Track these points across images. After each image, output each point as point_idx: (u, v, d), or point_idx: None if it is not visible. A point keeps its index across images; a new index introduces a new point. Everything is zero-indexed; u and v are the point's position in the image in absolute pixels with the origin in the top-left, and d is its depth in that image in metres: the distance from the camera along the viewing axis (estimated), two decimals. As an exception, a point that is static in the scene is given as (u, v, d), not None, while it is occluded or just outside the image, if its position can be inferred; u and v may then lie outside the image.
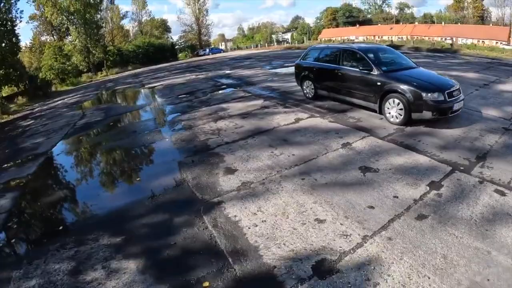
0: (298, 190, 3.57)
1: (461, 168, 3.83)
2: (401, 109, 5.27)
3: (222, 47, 53.27)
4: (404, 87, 5.17)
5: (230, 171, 4.19)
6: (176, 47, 48.06)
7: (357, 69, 5.88)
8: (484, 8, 49.70)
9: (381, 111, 5.65)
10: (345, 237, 2.73)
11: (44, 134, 8.07)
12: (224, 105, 7.96)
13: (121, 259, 2.76)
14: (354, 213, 3.06)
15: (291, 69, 13.10)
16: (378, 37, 49.81)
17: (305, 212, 3.16)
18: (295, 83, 9.67)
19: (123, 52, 36.30)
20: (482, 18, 49.28)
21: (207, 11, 51.29)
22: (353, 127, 5.46)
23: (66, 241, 3.11)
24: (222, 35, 64.12)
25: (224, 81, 12.50)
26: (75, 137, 7.35)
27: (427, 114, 5.04)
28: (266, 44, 53.45)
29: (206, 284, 2.39)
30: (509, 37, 37.99)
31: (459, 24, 46.83)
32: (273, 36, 67.38)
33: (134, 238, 3.03)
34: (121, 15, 43.90)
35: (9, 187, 4.84)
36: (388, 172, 3.86)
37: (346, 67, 6.19)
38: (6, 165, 5.95)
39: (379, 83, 5.51)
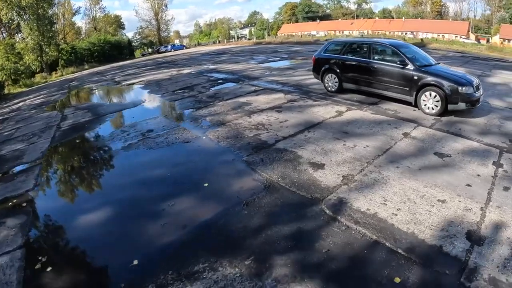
0: (402, 178, 3.56)
1: (505, 149, 4.28)
2: (437, 101, 5.56)
3: (177, 43, 51.02)
4: (442, 81, 5.47)
5: (318, 166, 3.85)
6: (133, 44, 45.36)
7: (393, 64, 6.02)
8: (442, 4, 55.39)
9: (416, 103, 5.87)
10: (469, 210, 2.94)
11: (22, 139, 6.51)
12: (243, 99, 7.43)
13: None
14: (461, 191, 3.26)
15: (283, 63, 13.93)
16: (339, 32, 52.00)
17: (425, 195, 3.21)
18: (300, 77, 9.68)
19: (78, 50, 33.75)
20: (440, 13, 55.14)
21: (166, 6, 49.17)
22: (397, 118, 5.56)
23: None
24: (177, 32, 60.86)
25: (217, 75, 11.79)
26: (68, 140, 6.04)
27: (462, 105, 5.42)
28: (225, 40, 52.35)
29: (397, 280, 2.20)
30: (468, 31, 43.69)
31: (419, 19, 51.58)
32: (231, 32, 66.46)
33: (271, 258, 2.42)
34: (73, 11, 40.51)
35: (6, 209, 3.64)
36: (458, 156, 4.09)
37: (379, 61, 6.28)
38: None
39: (415, 77, 5.72)
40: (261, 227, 2.78)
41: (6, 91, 19.14)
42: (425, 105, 5.76)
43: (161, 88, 10.28)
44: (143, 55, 39.96)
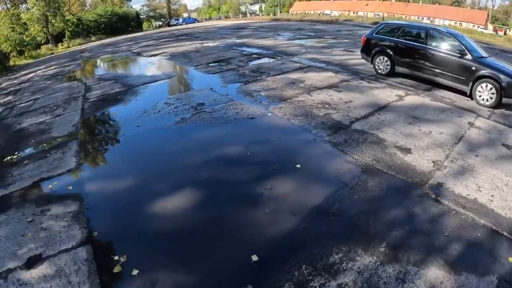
0: (484, 166, 3.69)
1: None
2: (493, 93, 5.59)
3: (188, 16, 49.82)
4: (500, 74, 5.47)
5: (405, 150, 3.95)
6: (141, 16, 43.52)
7: (451, 52, 5.97)
8: None
9: (470, 94, 5.93)
10: None
11: (44, 112, 6.33)
12: (292, 76, 7.31)
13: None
14: None
15: (314, 41, 13.46)
16: (354, 12, 50.42)
17: (509, 184, 3.36)
18: (341, 57, 9.51)
19: (84, 22, 32.59)
20: (458, 1, 53.09)
21: None
22: (456, 107, 5.61)
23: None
24: (185, 5, 57.97)
25: (249, 50, 11.43)
26: (103, 113, 5.88)
27: (514, 100, 5.49)
28: (235, 16, 50.59)
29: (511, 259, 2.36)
30: (487, 21, 42.57)
31: (437, 4, 49.92)
32: (241, 7, 64.53)
33: (402, 244, 2.46)
34: None
35: (47, 195, 3.23)
36: None
37: (437, 48, 6.19)
38: (12, 157, 4.21)
39: (473, 68, 5.71)
40: (377, 212, 2.82)
41: (11, 63, 18.43)
42: (480, 96, 5.80)
43: (191, 60, 9.97)
44: (160, 26, 40.09)
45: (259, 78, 7.22)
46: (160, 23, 44.95)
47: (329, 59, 9.29)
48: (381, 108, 5.32)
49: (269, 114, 5.00)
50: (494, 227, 2.74)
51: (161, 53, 12.26)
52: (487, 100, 5.69)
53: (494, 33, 37.90)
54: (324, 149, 3.94)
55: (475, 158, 3.88)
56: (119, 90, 7.08)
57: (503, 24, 44.67)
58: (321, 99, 5.69)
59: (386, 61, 7.17)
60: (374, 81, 6.94)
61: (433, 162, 3.71)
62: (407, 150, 3.94)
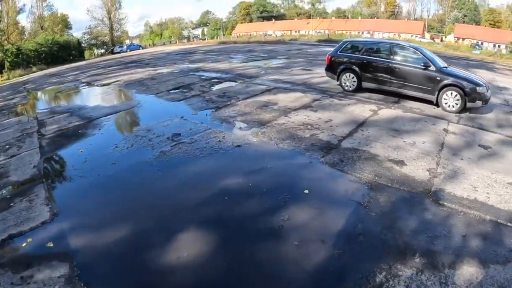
0: (472, 167, 4.40)
1: None
2: (457, 100, 6.76)
3: (134, 43, 53.43)
4: (463, 82, 6.68)
5: (399, 162, 4.42)
6: (83, 44, 46.47)
7: (416, 65, 7.08)
8: (395, 4, 63.37)
9: (437, 102, 7.06)
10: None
11: None
12: (262, 98, 7.73)
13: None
14: None
15: (270, 62, 14.74)
16: (295, 31, 56.57)
17: (497, 180, 4.08)
18: (302, 76, 10.53)
19: (24, 51, 33.38)
20: (394, 13, 62.94)
21: (120, 4, 50.78)
22: (427, 116, 6.58)
23: None
24: (126, 32, 59.67)
25: (208, 74, 11.90)
26: (67, 150, 5.46)
27: (478, 103, 6.73)
28: (177, 41, 53.99)
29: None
30: (424, 30, 50.44)
31: (375, 18, 58.23)
32: (184, 32, 70.85)
33: (432, 251, 2.82)
34: (18, 9, 39.52)
35: (19, 259, 2.79)
36: (496, 147, 5.21)
37: (402, 63, 7.30)
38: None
39: (438, 78, 6.86)
40: (397, 225, 3.10)
41: None
42: (446, 103, 6.92)
43: (149, 88, 9.96)
44: (102, 54, 43.07)
45: (228, 103, 7.48)
46: (103, 51, 48.24)
47: (292, 79, 10.09)
48: (361, 124, 5.95)
49: (254, 139, 5.18)
50: (498, 220, 3.25)
51: (114, 81, 12.08)
52: (453, 106, 6.79)
53: (431, 40, 45.82)
54: (324, 171, 4.21)
55: (461, 161, 4.57)
56: (78, 123, 6.78)
57: (438, 32, 54.37)
58: (301, 120, 6.13)
59: (353, 77, 8.12)
60: (344, 98, 7.75)
61: (427, 170, 4.26)
62: (401, 162, 4.47)
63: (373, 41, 8.63)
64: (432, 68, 6.93)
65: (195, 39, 59.53)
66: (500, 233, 3.08)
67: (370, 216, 3.25)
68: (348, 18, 61.64)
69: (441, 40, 48.15)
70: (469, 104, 6.73)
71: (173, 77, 11.82)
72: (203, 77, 11.39)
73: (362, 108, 6.92)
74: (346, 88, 8.33)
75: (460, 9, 55.32)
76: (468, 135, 5.67)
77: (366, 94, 8.08)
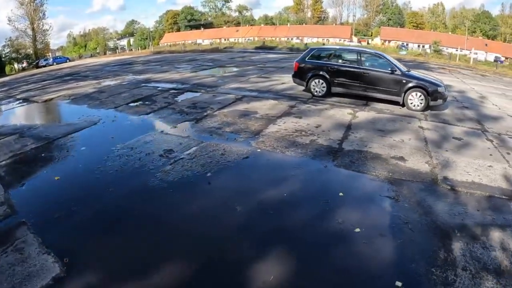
0: (457, 156, 5.54)
1: (483, 130, 7.24)
2: (421, 100, 8.24)
3: (60, 55, 53.36)
4: (426, 84, 8.21)
5: (401, 159, 5.18)
6: (3, 59, 46.51)
7: (383, 70, 8.41)
8: (322, 10, 70.09)
9: (403, 102, 8.45)
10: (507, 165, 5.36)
11: None
12: (239, 108, 8.04)
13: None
14: (493, 158, 5.58)
15: (221, 71, 15.09)
16: (225, 39, 59.19)
17: (480, 165, 5.25)
18: (264, 83, 11.41)
19: None
20: (321, 19, 69.46)
21: (44, 14, 50.23)
22: (398, 115, 7.84)
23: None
24: (47, 44, 56.97)
25: (162, 85, 11.99)
26: (40, 181, 4.79)
27: (440, 101, 8.33)
28: (101, 52, 53.51)
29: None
30: (351, 34, 56.39)
31: (304, 24, 63.65)
32: (109, 43, 72.52)
33: (475, 235, 3.47)
34: None
35: None
36: (466, 137, 6.61)
37: (370, 68, 8.55)
38: None
39: (404, 81, 8.27)
40: (432, 212, 3.78)
41: None
42: (411, 103, 8.33)
43: (103, 102, 9.40)
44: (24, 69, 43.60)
45: (205, 114, 7.61)
46: (24, 65, 48.22)
47: (255, 87, 10.77)
48: (348, 127, 6.77)
49: (258, 150, 5.44)
50: (496, 195, 4.29)
51: (57, 96, 11.00)
52: (418, 106, 8.23)
53: (359, 44, 52.17)
54: (343, 174, 4.73)
55: (447, 152, 5.65)
56: (36, 145, 6.08)
57: (364, 35, 62.24)
58: (292, 127, 6.65)
59: (322, 83, 9.11)
60: (318, 103, 8.65)
61: (426, 163, 5.18)
62: (402, 159, 5.31)
63: (341, 48, 9.82)
64: (398, 72, 8.31)
65: (121, 50, 60.59)
66: (500, 204, 4.08)
67: (405, 207, 3.91)
68: (275, 25, 67.00)
69: (368, 43, 55.41)
70: (431, 103, 8.24)
71: (124, 89, 11.47)
72: (159, 88, 11.36)
73: (341, 112, 7.85)
74: (316, 93, 9.27)
75: (385, 13, 64.81)
76: (440, 129, 6.99)
77: (335, 99, 9.13)
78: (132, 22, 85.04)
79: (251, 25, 68.21)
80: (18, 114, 9.61)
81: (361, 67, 8.65)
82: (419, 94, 8.23)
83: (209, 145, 5.73)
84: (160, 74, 15.66)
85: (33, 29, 48.74)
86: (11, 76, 31.65)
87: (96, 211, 3.88)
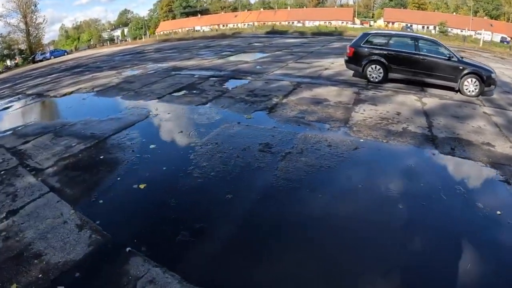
0: None
1: None
2: (476, 85, 8.82)
3: (52, 50, 51.00)
4: (480, 70, 8.75)
5: (489, 144, 5.65)
6: None
7: (441, 56, 8.90)
8: None
9: (458, 88, 9.05)
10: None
11: None
12: (305, 95, 8.33)
13: None
14: None
15: (249, 57, 15.60)
16: (223, 25, 59.31)
17: None
18: (307, 70, 11.79)
19: None
20: (320, 1, 69.33)
21: (36, 6, 50.26)
22: (460, 101, 8.39)
23: None
24: (39, 38, 56.43)
25: (198, 73, 12.20)
26: (107, 189, 4.60)
27: (492, 87, 8.93)
28: (102, 43, 56.27)
29: None
30: (354, 17, 56.70)
31: (304, 8, 63.52)
32: (103, 34, 74.50)
33: None
34: None
35: None
36: None
37: (428, 54, 9.03)
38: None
39: (461, 67, 8.79)
40: None
41: None
42: (467, 89, 8.89)
43: (138, 92, 9.38)
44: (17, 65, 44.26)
45: (273, 102, 7.80)
46: (15, 61, 48.50)
47: (302, 73, 11.19)
48: (425, 114, 7.23)
49: (361, 140, 5.70)
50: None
51: (76, 89, 10.92)
52: (473, 91, 8.80)
53: (362, 26, 52.60)
54: (454, 161, 5.17)
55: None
56: (85, 146, 5.70)
57: (365, 17, 62.57)
58: (374, 115, 6.90)
59: (379, 69, 9.55)
60: (378, 89, 9.08)
61: (510, 147, 5.73)
62: (490, 144, 5.69)
63: (397, 34, 10.28)
64: (455, 58, 8.83)
65: (120, 41, 61.88)
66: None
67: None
68: (273, 9, 67.31)
69: (370, 26, 55.83)
70: (486, 88, 8.83)
71: (155, 78, 11.52)
72: (196, 75, 11.48)
73: (408, 99, 8.35)
74: (372, 79, 9.72)
75: None
76: (501, 114, 7.56)
77: (391, 85, 9.60)
78: (125, 11, 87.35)
79: (249, 9, 68.38)
80: (38, 111, 9.34)
81: (419, 52, 9.11)
82: (474, 80, 8.79)
83: (307, 136, 5.79)
84: (186, 62, 15.70)
85: (26, 23, 48.85)
86: (10, 73, 30.91)
87: (231, 226, 3.40)
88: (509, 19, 58.24)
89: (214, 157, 5.05)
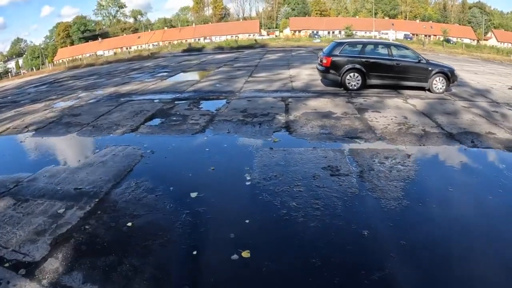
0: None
1: (496, 101, 9.60)
2: (443, 83, 10.28)
3: None
4: (445, 69, 10.25)
5: (492, 133, 6.73)
6: None
7: (412, 60, 10.13)
8: (223, 7, 71.74)
9: (429, 87, 10.38)
10: None
11: None
12: (305, 110, 8.34)
13: None
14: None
15: (212, 76, 15.34)
16: (126, 48, 57.59)
17: None
18: (277, 83, 12.20)
19: None
20: (224, 16, 71.09)
21: None
22: (437, 99, 9.66)
23: None
24: None
25: (156, 97, 11.31)
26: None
27: (455, 83, 10.54)
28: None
29: None
30: (260, 28, 58.88)
31: (210, 23, 64.29)
32: None
33: None
34: None
35: None
36: (496, 107, 8.81)
37: (401, 59, 10.14)
38: None
39: (430, 68, 10.13)
40: None
41: None
42: (435, 87, 10.25)
43: (97, 127, 7.97)
44: None
45: (282, 121, 7.65)
46: None
47: (277, 87, 11.69)
48: (424, 114, 8.03)
49: (405, 147, 6.00)
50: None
51: (4, 130, 8.46)
52: (440, 89, 10.23)
53: (269, 36, 56.00)
54: (482, 151, 5.94)
55: (506, 121, 7.57)
56: (82, 211, 4.10)
57: (269, 28, 66.53)
58: (389, 122, 7.30)
59: (357, 76, 10.30)
60: (362, 96, 9.84)
61: (506, 132, 6.79)
62: (491, 133, 6.68)
63: (370, 42, 11.21)
64: (423, 61, 10.15)
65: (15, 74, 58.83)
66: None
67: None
68: (175, 27, 68.70)
69: (276, 36, 59.82)
70: (451, 85, 10.35)
71: (106, 107, 10.11)
72: (157, 100, 10.77)
73: (397, 102, 9.21)
74: (351, 87, 10.41)
75: (288, 4, 70.00)
76: (474, 106, 8.99)
77: (370, 91, 10.46)
78: (18, 40, 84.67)
79: (150, 30, 68.63)
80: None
81: (392, 58, 10.17)
82: (441, 78, 10.22)
83: (357, 152, 5.83)
84: (125, 87, 14.37)
85: None
86: None
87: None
88: (406, 17, 68.50)
89: (295, 194, 4.37)
